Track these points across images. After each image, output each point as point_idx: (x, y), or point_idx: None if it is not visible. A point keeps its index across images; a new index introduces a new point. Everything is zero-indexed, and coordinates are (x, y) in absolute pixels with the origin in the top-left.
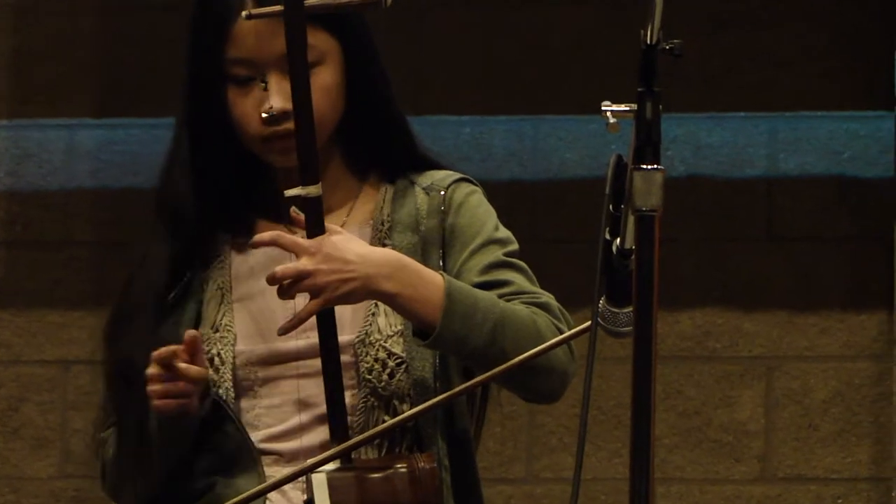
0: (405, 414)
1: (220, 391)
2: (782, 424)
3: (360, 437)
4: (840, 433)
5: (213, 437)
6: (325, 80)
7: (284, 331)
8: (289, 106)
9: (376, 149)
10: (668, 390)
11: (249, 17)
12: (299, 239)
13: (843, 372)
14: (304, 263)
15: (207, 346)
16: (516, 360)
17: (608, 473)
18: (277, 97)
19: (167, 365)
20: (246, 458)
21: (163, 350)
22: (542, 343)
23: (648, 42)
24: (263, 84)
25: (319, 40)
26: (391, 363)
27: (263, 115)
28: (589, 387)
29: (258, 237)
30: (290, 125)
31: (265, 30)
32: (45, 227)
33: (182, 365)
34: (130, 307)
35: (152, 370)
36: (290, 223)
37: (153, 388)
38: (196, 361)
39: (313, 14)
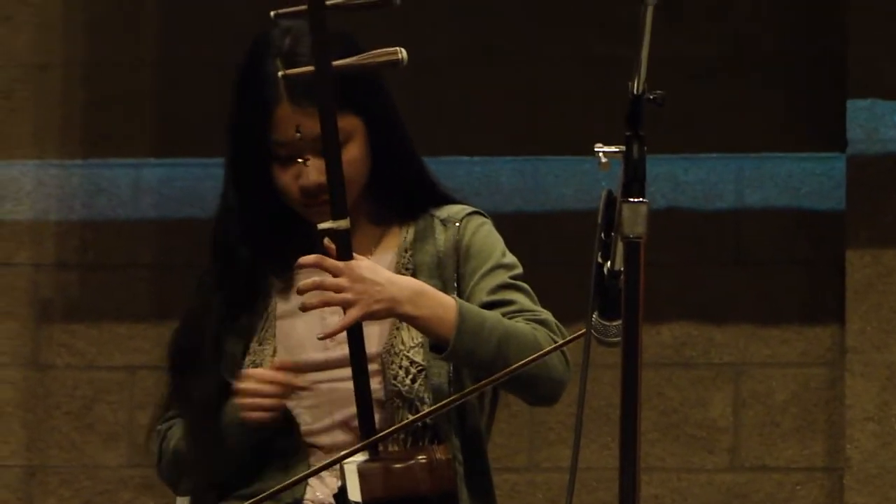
0: (423, 413)
1: None
2: (749, 421)
3: (385, 431)
4: (798, 429)
5: (267, 433)
6: (353, 155)
7: (325, 336)
8: (323, 180)
9: (399, 197)
10: (650, 392)
11: (285, 76)
12: (337, 262)
13: (801, 377)
14: (341, 281)
15: (254, 356)
16: (517, 365)
17: (599, 463)
18: (310, 175)
19: (271, 382)
20: (296, 450)
21: (264, 372)
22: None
23: (635, 92)
24: (303, 160)
25: (346, 122)
26: (413, 370)
27: (301, 187)
28: (584, 389)
29: (303, 259)
30: (324, 196)
31: (299, 118)
32: (114, 252)
33: (287, 383)
34: (195, 328)
35: (247, 385)
36: (299, 266)
37: (248, 401)
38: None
39: (341, 101)
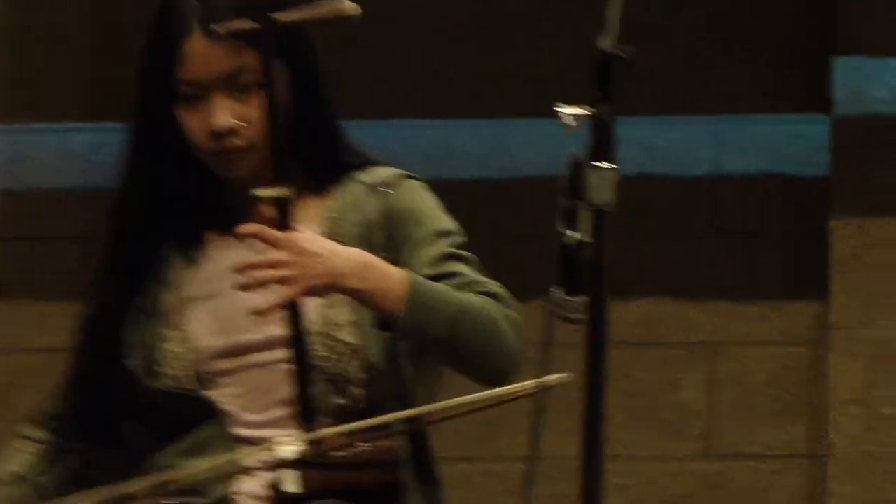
0: (381, 418)
1: (184, 383)
2: (724, 405)
3: (328, 430)
4: (777, 413)
5: (188, 427)
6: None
7: (261, 314)
8: (231, 123)
9: (320, 160)
10: (617, 373)
11: (226, 33)
12: (276, 233)
13: (781, 356)
14: (279, 255)
15: (165, 342)
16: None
17: (562, 452)
18: (221, 115)
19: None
20: (222, 446)
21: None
22: (498, 330)
23: (604, 49)
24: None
25: (258, 61)
26: (346, 351)
27: (210, 129)
28: (546, 370)
29: (244, 227)
30: (235, 141)
31: (211, 52)
32: (38, 223)
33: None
34: (98, 309)
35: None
36: (237, 235)
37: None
38: None
39: (257, 39)
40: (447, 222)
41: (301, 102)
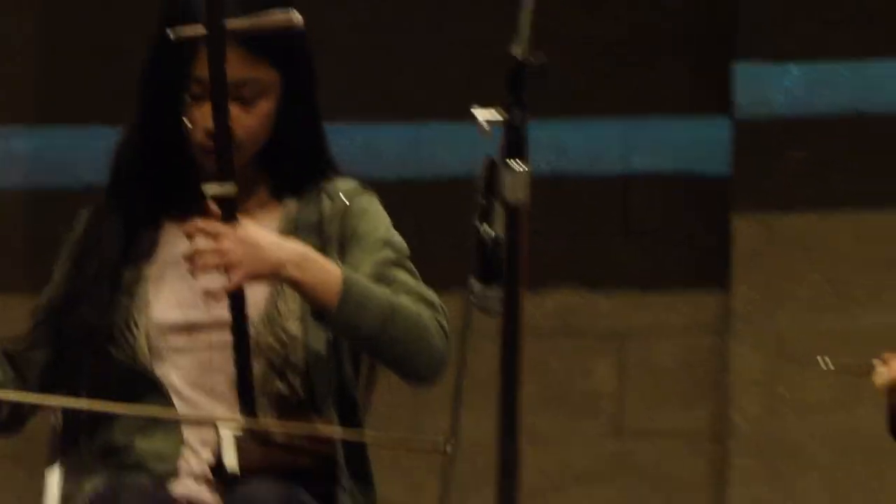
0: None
1: (139, 356)
2: (633, 388)
3: (276, 425)
4: (683, 395)
5: (134, 400)
6: (264, 111)
7: (211, 296)
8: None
9: (293, 170)
10: (533, 362)
11: (174, 38)
12: (218, 224)
13: (686, 344)
14: (223, 244)
15: (124, 313)
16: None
17: (481, 435)
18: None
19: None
20: (168, 423)
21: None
22: (427, 333)
23: (517, 56)
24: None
25: (266, 75)
26: (288, 340)
27: (206, 128)
28: (465, 358)
29: (186, 227)
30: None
31: (230, 58)
32: None
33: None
34: (89, 278)
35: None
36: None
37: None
38: None
39: (262, 48)
40: (395, 236)
41: (288, 115)
